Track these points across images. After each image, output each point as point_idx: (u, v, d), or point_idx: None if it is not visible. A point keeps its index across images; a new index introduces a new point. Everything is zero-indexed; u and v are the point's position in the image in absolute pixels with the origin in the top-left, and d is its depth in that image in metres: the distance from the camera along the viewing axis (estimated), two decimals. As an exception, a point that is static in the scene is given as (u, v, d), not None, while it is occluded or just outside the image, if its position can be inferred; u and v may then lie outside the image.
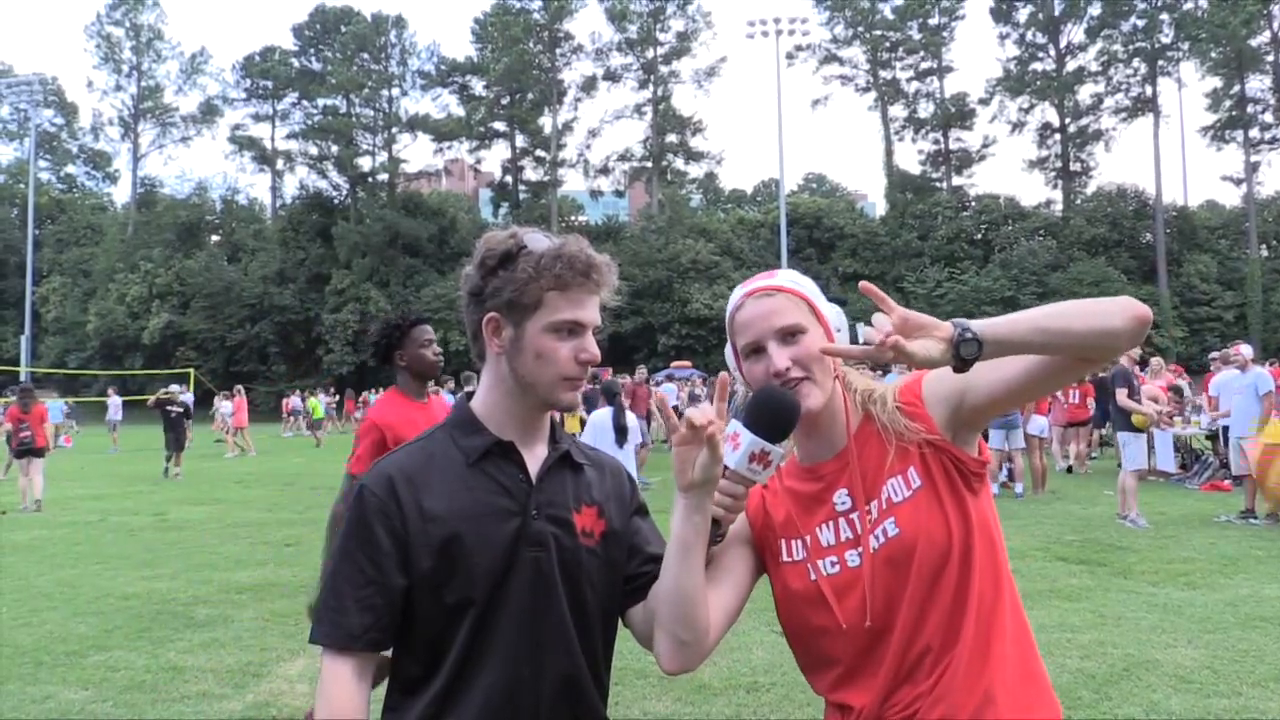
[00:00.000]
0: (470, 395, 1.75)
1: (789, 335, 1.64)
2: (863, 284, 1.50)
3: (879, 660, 1.59)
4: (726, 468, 1.54)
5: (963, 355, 1.46)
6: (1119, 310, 1.52)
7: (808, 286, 1.71)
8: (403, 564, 1.58)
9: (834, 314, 1.72)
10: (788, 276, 1.72)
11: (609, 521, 1.73)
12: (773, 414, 1.55)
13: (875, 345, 1.43)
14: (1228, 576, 7.95)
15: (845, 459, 1.68)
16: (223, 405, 26.88)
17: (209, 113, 61.18)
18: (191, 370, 43.85)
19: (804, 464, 1.76)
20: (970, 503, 1.61)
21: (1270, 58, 49.54)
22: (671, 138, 56.94)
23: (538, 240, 1.64)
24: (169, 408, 19.22)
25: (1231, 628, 6.40)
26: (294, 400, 38.65)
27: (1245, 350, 11.88)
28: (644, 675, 5.50)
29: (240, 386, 28.53)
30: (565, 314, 1.61)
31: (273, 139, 59.90)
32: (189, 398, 21.40)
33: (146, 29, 60.18)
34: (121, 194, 64.93)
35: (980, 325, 1.48)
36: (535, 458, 1.69)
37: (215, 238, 59.64)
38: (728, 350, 1.78)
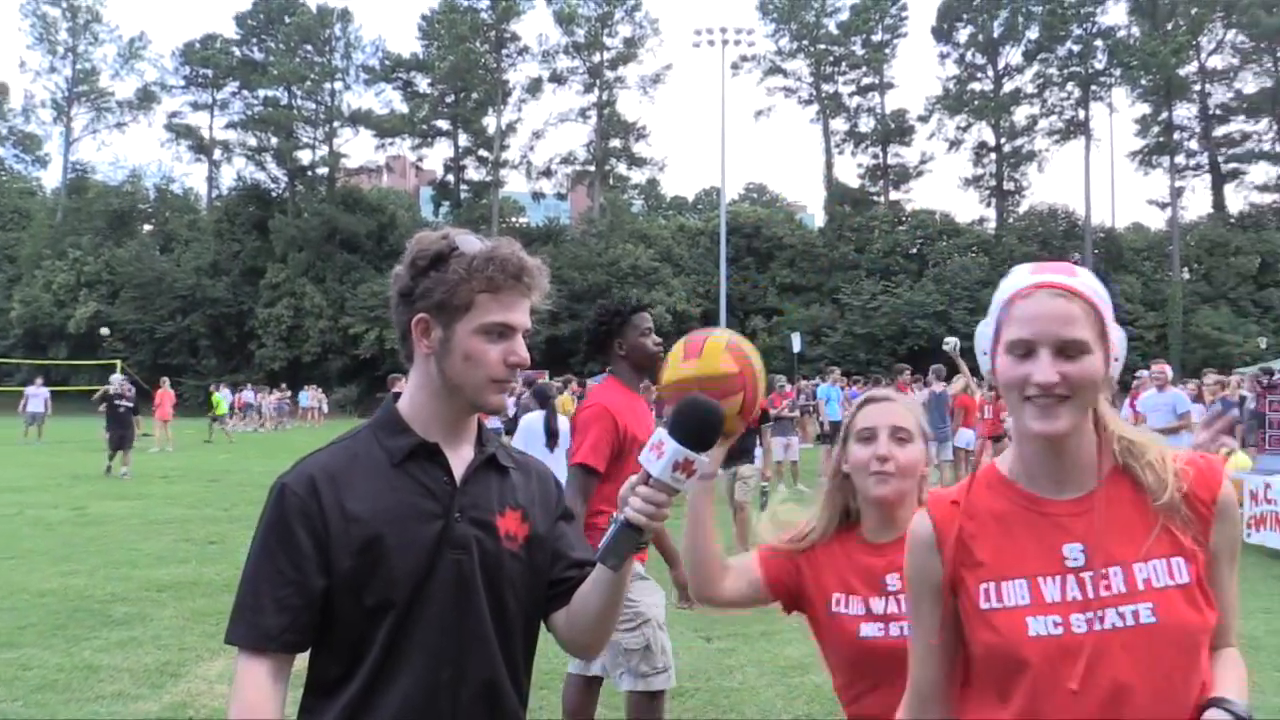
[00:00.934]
0: (397, 396, 1.74)
1: (1071, 350, 1.42)
2: None
3: None
4: (650, 476, 1.55)
5: None
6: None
7: (1104, 301, 1.49)
8: (323, 565, 1.56)
9: (1120, 339, 1.51)
10: (1087, 282, 1.49)
11: (533, 525, 1.72)
12: (697, 423, 1.57)
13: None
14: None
15: (1086, 506, 1.46)
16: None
17: (146, 99, 59.64)
18: (119, 361, 42.77)
19: (1029, 489, 1.52)
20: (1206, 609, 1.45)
21: (1197, 87, 51.14)
22: (615, 142, 56.99)
23: (470, 242, 1.64)
24: (118, 402, 18.22)
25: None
26: (246, 394, 37.95)
27: (1166, 370, 12.27)
28: (570, 679, 5.50)
29: (165, 379, 27.82)
30: (495, 316, 1.61)
31: (211, 128, 58.77)
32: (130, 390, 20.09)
33: (84, 10, 58.58)
34: (51, 179, 63.01)
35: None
36: (461, 460, 1.68)
37: (148, 227, 58.31)
38: (983, 328, 1.59)
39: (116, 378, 20.48)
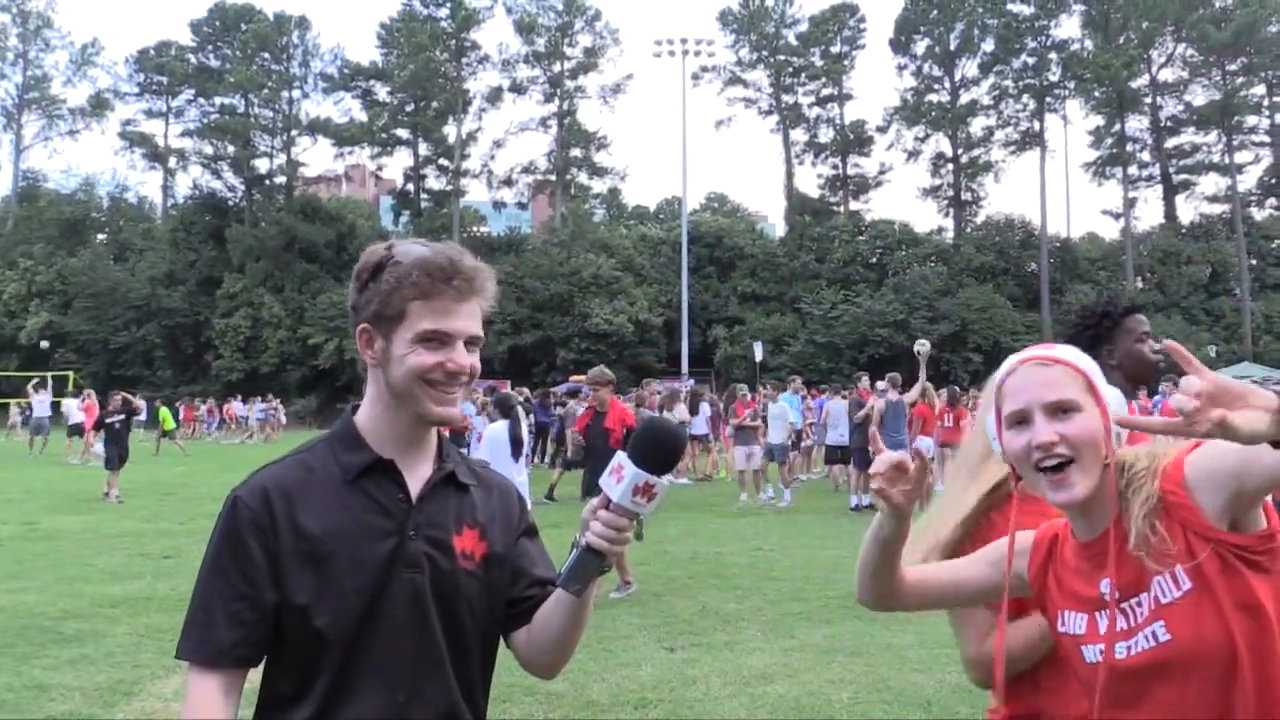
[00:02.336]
0: (356, 408, 1.70)
1: (1060, 410, 1.53)
2: (1167, 343, 1.32)
3: None
4: (610, 501, 1.52)
5: None
6: None
7: (1088, 365, 1.61)
8: (274, 580, 1.53)
9: (1113, 398, 1.61)
10: (1069, 352, 1.63)
11: (491, 544, 1.69)
12: (656, 447, 1.54)
13: (1188, 414, 1.20)
14: (1098, 595, 8.26)
15: (1105, 544, 1.54)
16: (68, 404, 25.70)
17: (99, 106, 58.76)
18: (71, 373, 42.08)
19: (1078, 538, 1.62)
20: (1260, 586, 1.41)
21: (1148, 100, 52.12)
22: (576, 152, 56.97)
23: (409, 250, 1.60)
24: (111, 419, 16.70)
25: (1100, 644, 6.65)
26: (236, 406, 37.29)
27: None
28: (532, 692, 5.47)
29: (89, 391, 27.27)
30: (427, 324, 1.56)
31: (166, 136, 58.01)
32: (128, 402, 17.79)
33: (35, 16, 57.67)
34: (1, 187, 61.93)
35: None
36: (418, 477, 1.64)
37: (101, 236, 57.49)
38: (988, 417, 1.69)
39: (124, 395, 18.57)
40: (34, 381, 28.22)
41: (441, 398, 1.60)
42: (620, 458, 1.54)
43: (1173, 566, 1.45)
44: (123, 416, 16.80)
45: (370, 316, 1.60)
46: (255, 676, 1.59)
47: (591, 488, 8.70)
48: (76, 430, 24.56)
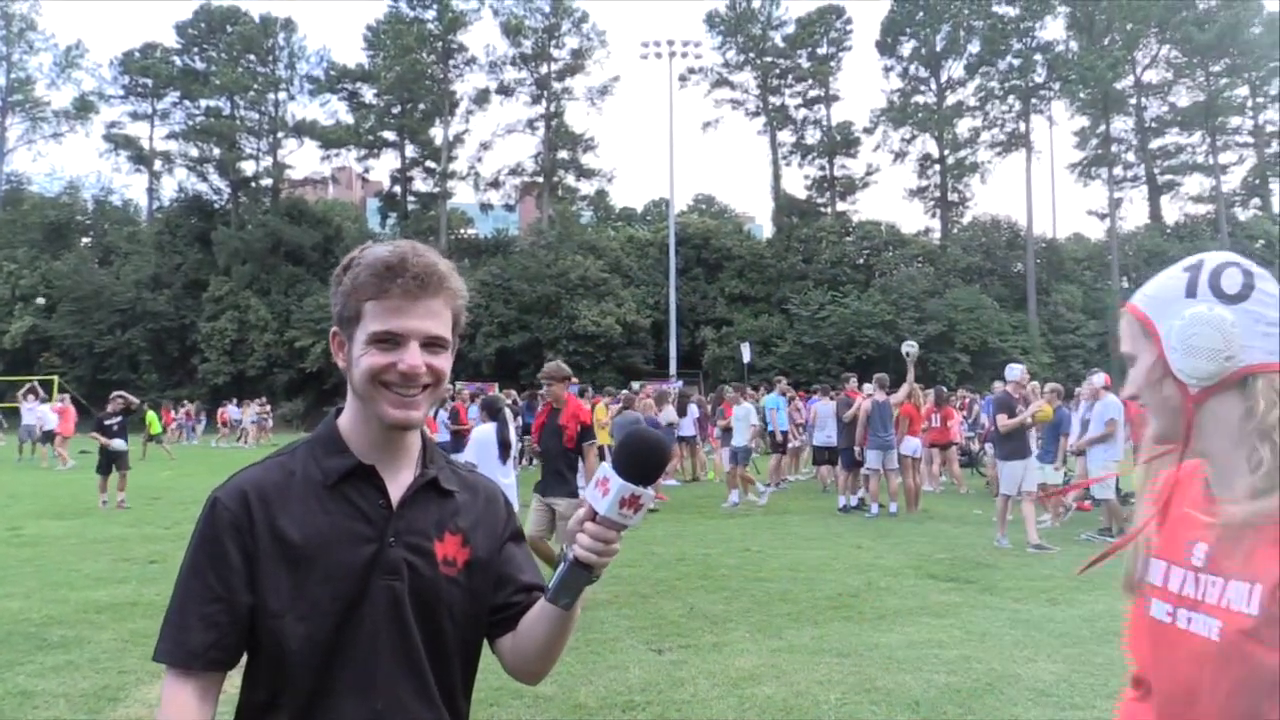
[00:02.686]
0: (340, 412, 1.68)
1: (1128, 363, 1.57)
2: None
3: None
4: (597, 514, 1.51)
5: None
6: None
7: (1151, 301, 1.52)
8: (250, 583, 1.52)
9: (1173, 329, 1.45)
10: (1145, 291, 1.55)
11: (474, 550, 1.66)
12: (639, 458, 1.52)
13: None
14: (1086, 593, 8.32)
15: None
16: (38, 408, 25.57)
17: (83, 109, 58.39)
18: (55, 377, 41.78)
19: (1209, 478, 1.51)
20: None
21: (1133, 101, 52.40)
22: (563, 154, 56.98)
23: (371, 251, 1.57)
24: (108, 421, 15.87)
25: (1088, 642, 6.69)
26: (231, 410, 37.16)
27: (1096, 380, 12.37)
28: (519, 695, 5.45)
29: (67, 395, 27.11)
30: (378, 324, 1.53)
31: (151, 139, 57.63)
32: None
33: (19, 19, 57.26)
34: (-16, 190, 61.57)
35: None
36: (399, 483, 1.62)
37: (86, 239, 57.07)
38: None
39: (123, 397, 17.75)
40: (25, 388, 28.00)
41: (399, 400, 1.55)
42: (605, 469, 1.52)
43: (1254, 581, 1.32)
44: (119, 418, 16.20)
45: (336, 319, 1.59)
46: (239, 681, 1.58)
47: (547, 488, 8.48)
48: (49, 437, 24.40)
